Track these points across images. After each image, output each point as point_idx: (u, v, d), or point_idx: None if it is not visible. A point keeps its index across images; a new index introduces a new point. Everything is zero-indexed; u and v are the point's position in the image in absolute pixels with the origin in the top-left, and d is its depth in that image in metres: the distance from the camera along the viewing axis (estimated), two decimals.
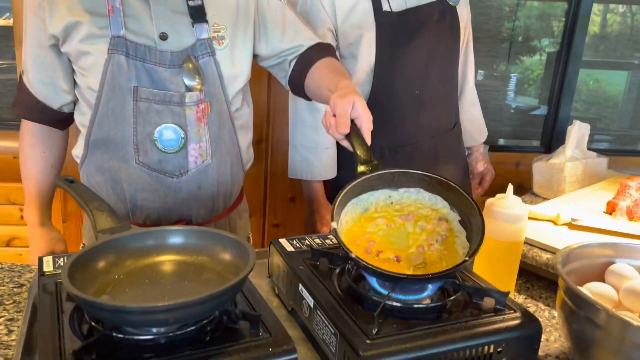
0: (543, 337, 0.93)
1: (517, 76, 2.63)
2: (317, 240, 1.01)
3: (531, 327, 0.78)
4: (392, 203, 0.93)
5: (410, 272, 0.83)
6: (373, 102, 1.48)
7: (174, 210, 1.15)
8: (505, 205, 0.98)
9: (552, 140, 2.46)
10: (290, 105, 1.57)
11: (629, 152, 2.70)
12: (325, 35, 1.46)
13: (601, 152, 1.75)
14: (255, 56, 1.24)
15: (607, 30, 2.72)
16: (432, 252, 0.87)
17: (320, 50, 1.25)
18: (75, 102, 1.17)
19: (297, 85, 1.26)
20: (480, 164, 1.83)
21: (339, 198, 0.88)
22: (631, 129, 2.81)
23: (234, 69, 1.15)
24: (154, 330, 0.67)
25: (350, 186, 0.91)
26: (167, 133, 1.09)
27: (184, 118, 1.09)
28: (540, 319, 0.80)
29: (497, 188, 1.09)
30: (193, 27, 1.09)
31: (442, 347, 0.71)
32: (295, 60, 1.24)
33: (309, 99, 1.28)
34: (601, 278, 0.90)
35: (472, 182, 1.83)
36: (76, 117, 1.17)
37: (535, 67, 2.66)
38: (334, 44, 1.48)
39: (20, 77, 1.18)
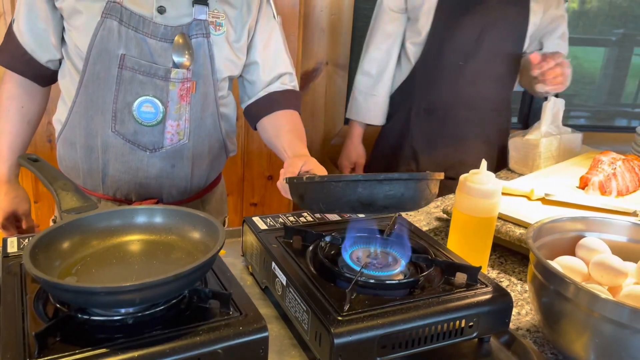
0: (515, 310, 0.94)
1: None
2: (291, 218, 1.00)
3: (502, 301, 0.78)
4: None
5: None
6: (421, 65, 1.70)
7: (145, 186, 1.14)
8: (479, 181, 0.98)
9: (529, 117, 2.47)
10: (362, 56, 1.81)
11: (604, 128, 2.73)
12: None
13: (577, 128, 1.77)
14: None
15: (586, 6, 2.72)
16: None
17: (289, 99, 1.26)
18: (60, 60, 1.15)
19: (254, 115, 1.27)
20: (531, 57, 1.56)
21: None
22: (607, 105, 2.84)
23: (226, 58, 1.15)
24: (122, 310, 0.65)
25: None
26: (147, 105, 1.08)
27: (166, 93, 1.08)
28: (512, 293, 0.80)
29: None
30: (193, 6, 1.08)
31: (413, 322, 0.71)
32: (263, 95, 1.25)
33: (255, 129, 1.31)
34: (572, 252, 0.91)
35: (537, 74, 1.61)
36: (60, 79, 1.16)
37: None
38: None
39: (11, 25, 1.15)
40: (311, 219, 1.00)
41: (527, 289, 1.02)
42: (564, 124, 1.71)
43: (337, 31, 2.16)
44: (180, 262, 0.74)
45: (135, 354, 0.60)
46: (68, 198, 0.79)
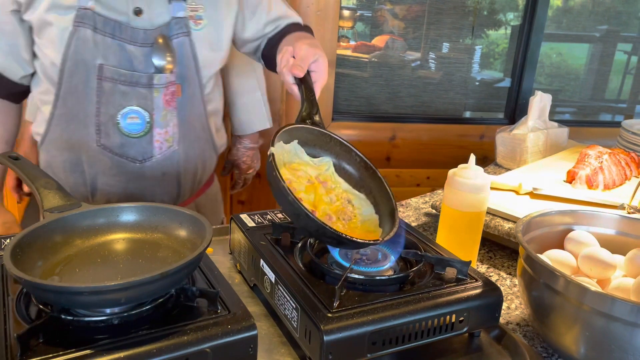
0: (505, 305, 0.94)
1: (482, 49, 2.63)
2: (279, 215, 0.99)
3: (492, 295, 0.78)
4: (314, 163, 0.91)
5: None
6: None
7: (136, 196, 1.10)
8: (468, 176, 0.97)
9: (515, 112, 2.48)
10: None
11: (589, 123, 2.76)
12: None
13: (562, 123, 1.78)
14: (234, 41, 1.19)
15: (570, 3, 2.73)
16: (338, 226, 0.85)
17: (297, 25, 1.20)
18: (33, 74, 1.10)
19: (270, 57, 1.20)
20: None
21: (286, 128, 0.85)
22: (592, 100, 2.86)
23: (211, 51, 1.10)
24: (107, 310, 0.64)
25: (293, 126, 0.88)
26: (132, 116, 1.03)
27: (150, 101, 1.03)
28: (502, 287, 0.80)
29: (461, 160, 1.09)
30: (170, 3, 1.02)
31: (403, 318, 0.71)
32: (271, 36, 1.20)
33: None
34: (561, 245, 0.91)
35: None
36: (35, 92, 1.10)
37: (501, 40, 2.67)
38: None
39: None
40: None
41: (517, 283, 1.02)
42: (549, 120, 1.72)
43: (323, 28, 2.15)
44: (166, 261, 0.73)
45: (121, 354, 0.59)
46: (50, 196, 0.77)
